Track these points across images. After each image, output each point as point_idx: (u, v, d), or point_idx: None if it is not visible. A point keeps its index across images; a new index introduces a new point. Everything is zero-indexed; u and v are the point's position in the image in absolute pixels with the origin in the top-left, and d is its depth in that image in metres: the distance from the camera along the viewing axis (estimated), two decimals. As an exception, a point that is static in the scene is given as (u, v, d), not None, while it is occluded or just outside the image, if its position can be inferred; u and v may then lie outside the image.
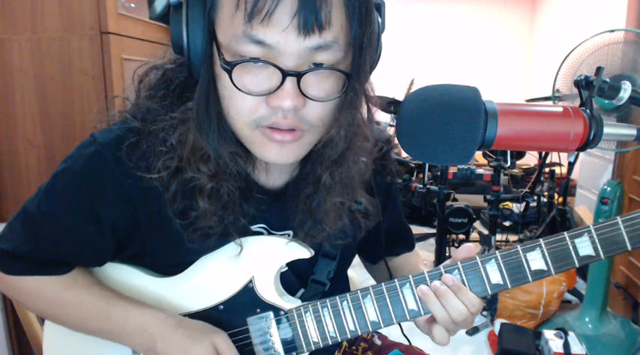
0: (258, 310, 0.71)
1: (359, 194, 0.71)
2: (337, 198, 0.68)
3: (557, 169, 3.10)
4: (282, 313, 0.71)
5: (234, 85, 0.55)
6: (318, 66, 0.55)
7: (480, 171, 3.45)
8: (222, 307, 0.72)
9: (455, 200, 3.25)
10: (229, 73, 0.55)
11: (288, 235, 0.75)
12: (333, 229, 0.70)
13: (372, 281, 0.94)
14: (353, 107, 0.61)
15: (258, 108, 0.57)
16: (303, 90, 0.55)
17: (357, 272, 1.10)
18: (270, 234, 0.74)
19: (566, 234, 0.61)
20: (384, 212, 0.84)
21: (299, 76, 0.54)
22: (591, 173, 2.76)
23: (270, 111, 0.57)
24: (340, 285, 0.82)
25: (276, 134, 0.58)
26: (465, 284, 0.64)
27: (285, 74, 0.54)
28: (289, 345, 0.71)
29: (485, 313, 2.22)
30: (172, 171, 0.63)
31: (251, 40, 0.53)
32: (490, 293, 0.63)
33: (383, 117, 2.98)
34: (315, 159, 0.66)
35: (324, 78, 0.57)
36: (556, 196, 2.95)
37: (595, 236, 0.59)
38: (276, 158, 0.60)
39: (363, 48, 0.56)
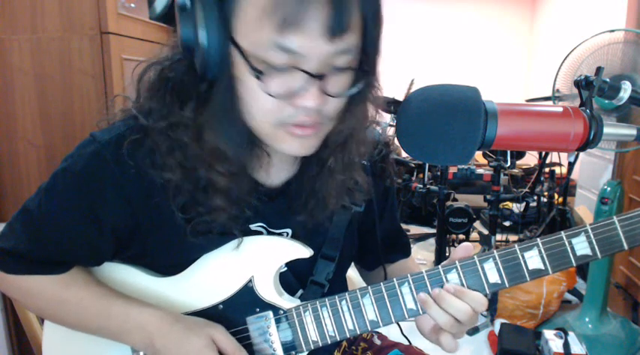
0: (258, 309, 0.71)
1: (357, 173, 0.73)
2: (340, 177, 0.70)
3: (557, 169, 3.10)
4: (282, 312, 0.71)
5: (266, 91, 0.56)
6: (342, 69, 0.58)
7: (480, 171, 3.45)
8: (221, 306, 0.72)
9: (455, 200, 3.25)
10: (260, 79, 0.55)
11: (287, 234, 0.75)
12: (335, 207, 0.72)
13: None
14: (366, 99, 0.64)
15: (283, 108, 0.58)
16: (325, 89, 0.57)
17: (357, 272, 1.10)
18: (269, 232, 0.74)
19: (563, 234, 0.61)
20: (381, 215, 0.84)
21: (323, 78, 0.56)
22: (591, 173, 2.76)
23: (294, 111, 0.58)
24: (339, 287, 0.82)
25: (299, 130, 0.60)
26: (463, 284, 0.64)
27: (312, 77, 0.56)
28: (288, 345, 0.71)
29: (485, 313, 2.22)
30: (184, 170, 0.63)
31: (279, 48, 0.54)
32: (488, 292, 0.64)
33: (383, 118, 2.98)
34: (320, 146, 0.67)
35: (342, 75, 0.59)
36: (556, 196, 2.95)
37: (592, 235, 0.60)
38: (298, 151, 0.63)
39: (377, 46, 0.59)
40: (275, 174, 0.73)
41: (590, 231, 0.60)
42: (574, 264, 0.61)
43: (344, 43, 0.55)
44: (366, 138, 0.71)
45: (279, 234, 0.75)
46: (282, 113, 0.58)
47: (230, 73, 0.58)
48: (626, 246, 0.58)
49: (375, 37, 0.58)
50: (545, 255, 0.61)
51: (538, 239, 0.62)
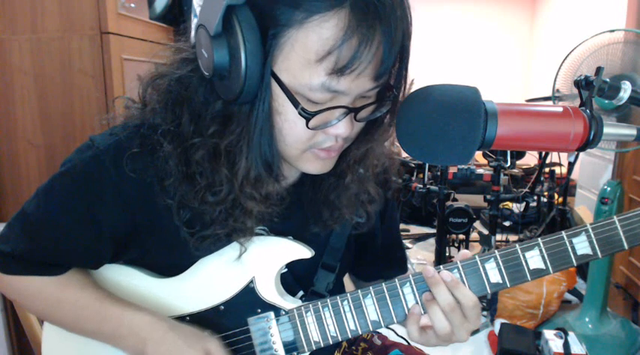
0: (259, 310, 0.71)
1: (370, 185, 0.74)
2: (354, 190, 0.72)
3: (557, 169, 3.10)
4: (283, 313, 0.71)
5: (309, 127, 0.57)
6: (372, 100, 0.60)
7: (480, 171, 3.44)
8: (222, 307, 0.72)
9: (455, 200, 3.25)
10: (308, 120, 0.56)
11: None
12: (349, 213, 0.73)
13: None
14: (387, 120, 0.65)
15: (315, 135, 0.60)
16: (356, 117, 0.60)
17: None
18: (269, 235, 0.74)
19: (564, 234, 0.61)
20: (380, 226, 0.84)
21: (359, 111, 0.58)
22: (591, 173, 2.76)
23: (325, 138, 0.61)
24: (337, 291, 0.82)
25: (325, 154, 0.62)
26: (464, 283, 0.64)
27: (350, 111, 0.58)
28: (290, 345, 0.71)
29: (485, 313, 2.22)
30: (206, 194, 0.63)
31: (328, 90, 0.55)
32: (489, 292, 0.64)
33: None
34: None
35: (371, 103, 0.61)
36: (556, 196, 2.95)
37: (592, 235, 0.60)
38: (319, 170, 0.65)
39: (405, 78, 0.61)
40: (279, 182, 0.72)
41: (590, 230, 0.60)
42: (575, 264, 0.61)
43: (383, 80, 0.57)
44: (381, 154, 0.73)
45: (280, 237, 0.75)
46: (314, 140, 0.61)
47: (269, 104, 0.58)
48: (626, 246, 0.59)
49: (404, 69, 0.60)
50: (546, 255, 0.62)
51: (539, 239, 0.62)
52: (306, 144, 0.61)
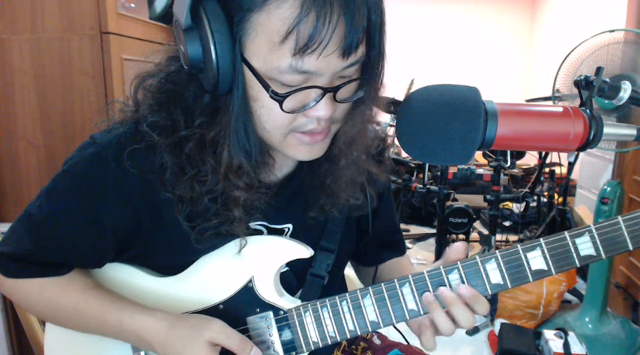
0: (258, 310, 0.71)
1: (369, 166, 0.74)
2: (349, 172, 0.71)
3: (557, 169, 3.10)
4: (282, 313, 0.71)
5: (284, 110, 0.57)
6: (350, 79, 0.59)
7: (480, 171, 3.45)
8: (222, 307, 0.72)
9: (455, 200, 3.25)
10: (281, 103, 0.56)
11: (288, 229, 0.76)
12: (347, 197, 0.73)
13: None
14: (370, 100, 0.65)
15: (296, 118, 0.60)
16: (335, 98, 0.59)
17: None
18: (269, 230, 0.74)
19: (566, 234, 0.60)
20: (376, 212, 0.85)
21: (336, 90, 0.58)
22: (591, 173, 2.76)
23: (307, 121, 0.60)
24: (337, 282, 0.82)
25: (309, 138, 0.62)
26: (464, 284, 0.63)
27: (326, 91, 0.57)
28: (289, 345, 0.71)
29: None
30: (196, 185, 0.63)
31: (295, 70, 0.55)
32: (490, 293, 0.63)
33: (383, 117, 2.98)
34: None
35: (350, 83, 0.60)
36: (556, 196, 2.95)
37: (596, 235, 0.59)
38: (307, 156, 0.65)
39: (382, 53, 0.60)
40: (275, 171, 0.73)
41: (594, 230, 0.59)
42: (578, 265, 0.60)
43: (355, 57, 0.57)
44: (373, 134, 0.73)
45: (281, 230, 0.75)
46: (295, 123, 0.60)
47: (244, 91, 0.58)
48: (630, 247, 0.58)
49: (379, 45, 0.59)
50: (548, 256, 0.61)
51: (541, 239, 0.61)
52: (287, 128, 0.60)
